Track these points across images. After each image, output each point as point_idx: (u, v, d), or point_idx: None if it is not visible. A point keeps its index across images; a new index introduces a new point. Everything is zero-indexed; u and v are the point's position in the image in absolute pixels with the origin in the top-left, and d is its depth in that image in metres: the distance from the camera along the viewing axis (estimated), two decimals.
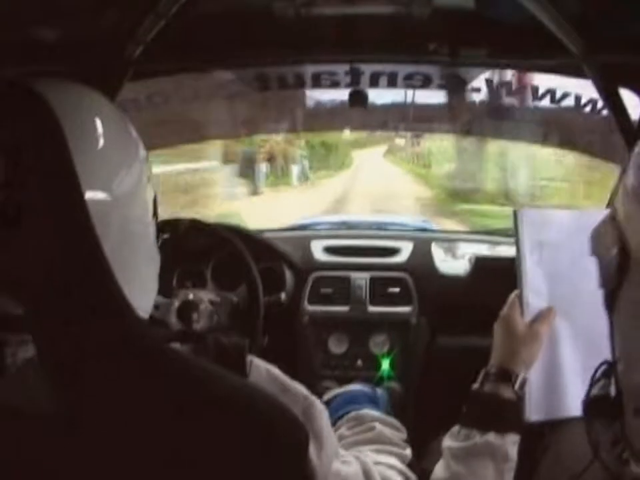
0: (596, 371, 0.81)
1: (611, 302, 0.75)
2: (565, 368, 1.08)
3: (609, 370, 0.78)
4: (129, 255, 0.82)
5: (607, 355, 0.81)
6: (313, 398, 0.91)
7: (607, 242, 0.75)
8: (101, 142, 0.79)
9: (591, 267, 0.91)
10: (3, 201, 0.64)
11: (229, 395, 0.73)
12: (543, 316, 1.08)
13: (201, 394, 0.71)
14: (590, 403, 0.80)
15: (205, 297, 1.76)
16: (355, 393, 1.36)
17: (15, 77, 0.73)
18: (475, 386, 1.08)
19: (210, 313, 1.72)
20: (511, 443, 1.01)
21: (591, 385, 0.81)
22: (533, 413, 1.06)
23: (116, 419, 0.67)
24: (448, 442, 1.06)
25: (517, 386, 1.04)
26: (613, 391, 0.78)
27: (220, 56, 1.84)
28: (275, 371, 0.89)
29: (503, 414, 1.03)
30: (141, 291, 0.88)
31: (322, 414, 0.89)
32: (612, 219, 0.76)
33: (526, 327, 1.07)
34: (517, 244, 1.10)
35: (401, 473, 1.04)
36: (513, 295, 1.12)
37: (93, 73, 0.86)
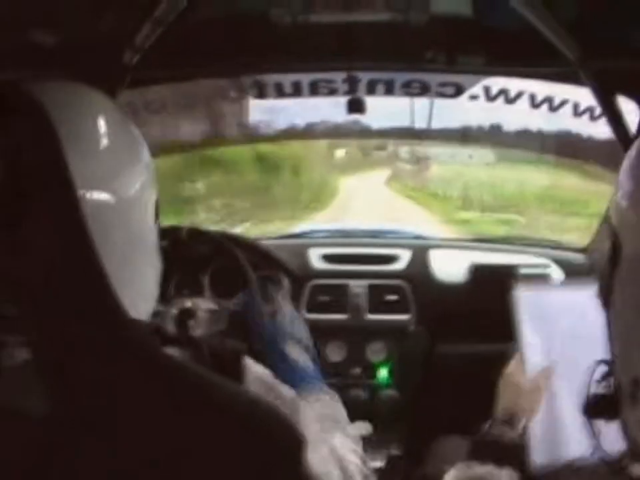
0: (593, 370, 0.85)
1: (606, 299, 0.79)
2: (563, 419, 1.19)
3: (606, 369, 0.81)
4: (130, 258, 0.82)
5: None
6: (299, 401, 0.93)
7: (603, 247, 0.78)
8: (102, 143, 0.78)
9: (582, 332, 1.14)
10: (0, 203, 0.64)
11: (224, 401, 0.73)
12: (543, 372, 1.19)
13: (197, 399, 0.71)
14: (589, 403, 0.83)
15: (203, 304, 1.75)
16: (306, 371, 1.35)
17: (10, 80, 0.72)
18: (482, 430, 1.17)
19: (207, 320, 1.72)
20: (508, 477, 1.08)
21: (589, 385, 0.85)
22: (536, 457, 1.14)
23: (111, 423, 0.67)
24: (451, 475, 1.12)
25: (520, 429, 1.14)
26: (611, 389, 0.81)
27: (217, 63, 1.85)
28: (263, 372, 0.89)
29: (504, 452, 1.12)
30: (141, 296, 0.87)
31: (307, 417, 0.92)
32: (607, 222, 0.79)
33: (528, 382, 1.19)
34: (515, 314, 1.23)
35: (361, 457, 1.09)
36: (516, 355, 1.23)
37: (91, 79, 0.85)
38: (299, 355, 1.32)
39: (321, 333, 2.15)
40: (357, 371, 2.14)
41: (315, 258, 2.29)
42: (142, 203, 0.84)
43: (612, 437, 0.84)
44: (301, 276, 2.19)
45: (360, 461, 1.06)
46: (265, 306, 1.41)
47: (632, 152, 0.77)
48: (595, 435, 0.85)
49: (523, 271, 2.07)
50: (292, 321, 1.37)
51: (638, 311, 0.71)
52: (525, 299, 1.24)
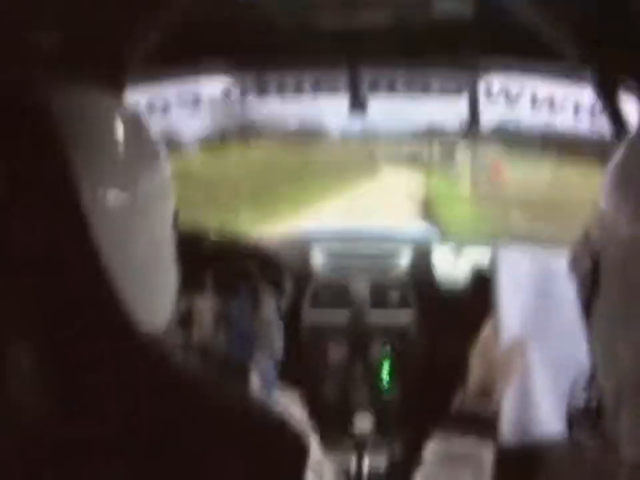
0: (573, 385, 0.85)
1: (587, 312, 0.79)
2: (536, 393, 1.15)
3: (587, 380, 0.81)
4: (147, 262, 0.82)
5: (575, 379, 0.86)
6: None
7: (582, 259, 0.79)
8: (119, 144, 0.78)
9: (560, 301, 1.12)
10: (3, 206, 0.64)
11: (230, 407, 0.73)
12: (517, 344, 1.15)
13: (202, 403, 0.71)
14: (572, 416, 0.83)
15: (205, 304, 1.76)
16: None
17: (15, 82, 0.73)
18: (456, 401, 1.16)
19: (209, 320, 1.72)
20: (487, 453, 1.08)
21: (571, 399, 0.85)
22: (508, 434, 1.12)
23: (116, 428, 0.67)
24: (428, 451, 1.12)
25: (493, 405, 1.12)
26: (593, 401, 0.81)
27: (220, 61, 1.85)
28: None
29: (481, 426, 1.10)
30: (159, 300, 0.87)
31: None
32: (586, 238, 0.79)
33: (501, 353, 1.15)
34: (494, 278, 1.21)
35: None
36: (489, 324, 1.21)
37: (94, 79, 0.85)
38: (267, 366, 1.32)
39: (322, 331, 2.16)
40: (359, 369, 2.14)
41: (318, 257, 2.29)
42: (159, 206, 0.84)
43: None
44: (304, 275, 2.20)
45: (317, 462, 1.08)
46: (248, 307, 1.41)
47: (610, 167, 0.76)
48: (574, 438, 0.85)
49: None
50: (267, 324, 1.37)
51: (622, 322, 0.71)
52: (504, 259, 1.22)
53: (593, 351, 0.80)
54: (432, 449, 1.11)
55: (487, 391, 1.13)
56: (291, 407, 1.23)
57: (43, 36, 1.23)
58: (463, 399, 1.16)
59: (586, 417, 0.81)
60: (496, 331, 1.18)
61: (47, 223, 0.65)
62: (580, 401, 0.82)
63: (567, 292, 1.04)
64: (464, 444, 1.08)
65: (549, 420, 1.11)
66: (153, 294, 0.84)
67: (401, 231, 2.93)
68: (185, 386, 0.71)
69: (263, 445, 0.72)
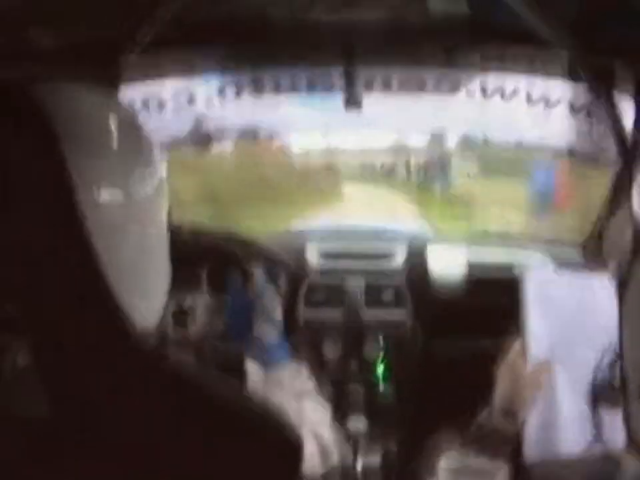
0: (602, 358, 0.85)
1: (621, 293, 0.81)
2: (561, 412, 1.17)
3: (614, 360, 0.81)
4: (141, 260, 0.82)
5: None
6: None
7: (620, 237, 0.79)
8: (113, 143, 0.78)
9: (585, 322, 1.15)
10: None
11: (225, 403, 0.73)
12: (543, 366, 1.17)
13: (198, 402, 0.71)
14: (594, 389, 0.84)
15: (201, 301, 1.76)
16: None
17: (10, 80, 0.72)
18: (480, 418, 1.16)
19: (206, 317, 1.72)
20: (501, 470, 1.09)
21: (596, 374, 0.86)
22: (531, 453, 1.14)
23: (113, 427, 0.67)
24: (443, 463, 1.13)
25: (518, 424, 1.13)
26: (616, 380, 0.82)
27: (215, 59, 1.85)
28: (257, 370, 0.91)
29: (500, 443, 1.11)
30: (151, 298, 0.87)
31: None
32: (628, 212, 0.80)
33: (528, 373, 1.17)
34: (522, 298, 1.21)
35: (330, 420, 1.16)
36: (517, 344, 1.21)
37: (90, 76, 0.85)
38: (270, 335, 1.32)
39: (317, 330, 2.16)
40: (354, 367, 2.14)
41: (313, 255, 2.29)
42: (153, 204, 0.84)
43: (612, 429, 0.85)
44: (298, 273, 2.20)
45: (330, 427, 1.13)
46: (241, 288, 1.41)
47: None
48: (596, 424, 0.86)
49: (520, 268, 2.08)
50: (262, 299, 1.37)
51: None
52: (533, 281, 1.22)
53: (620, 337, 0.82)
54: (448, 461, 1.12)
55: (512, 410, 1.14)
56: (300, 379, 1.24)
57: (39, 34, 1.23)
58: (487, 415, 1.16)
59: (609, 394, 0.83)
60: (523, 351, 1.19)
61: (42, 220, 0.65)
62: (604, 380, 0.83)
63: (595, 315, 1.07)
64: (481, 460, 1.09)
65: (572, 440, 1.13)
66: (145, 291, 0.83)
67: (396, 230, 2.93)
68: (179, 383, 0.71)
69: (258, 443, 0.72)
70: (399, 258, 2.28)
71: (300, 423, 1.03)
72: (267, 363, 1.27)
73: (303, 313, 2.15)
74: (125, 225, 0.77)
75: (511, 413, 1.14)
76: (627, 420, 0.79)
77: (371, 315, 2.17)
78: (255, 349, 1.32)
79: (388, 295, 2.19)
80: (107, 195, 0.74)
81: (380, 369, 2.16)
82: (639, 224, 0.78)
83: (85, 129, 0.74)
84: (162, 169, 0.86)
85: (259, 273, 1.42)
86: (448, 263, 2.29)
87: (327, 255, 2.30)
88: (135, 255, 0.80)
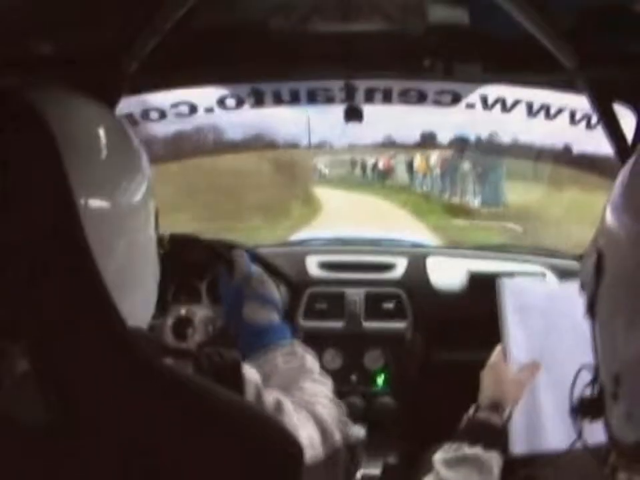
0: (577, 375, 0.91)
1: (591, 307, 0.83)
2: (544, 409, 1.25)
3: (591, 373, 0.84)
4: (129, 268, 0.82)
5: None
6: (284, 406, 0.96)
7: (589, 258, 0.84)
8: (102, 152, 0.79)
9: (564, 327, 1.22)
10: None
11: (223, 412, 0.73)
12: (529, 367, 1.26)
13: (196, 410, 0.71)
14: (575, 406, 0.87)
15: (200, 312, 1.75)
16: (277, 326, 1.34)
17: (9, 87, 0.73)
18: (468, 414, 1.24)
19: (205, 328, 1.72)
20: (495, 460, 1.14)
21: (574, 389, 0.88)
22: (516, 445, 1.21)
23: (109, 433, 0.67)
24: (439, 455, 1.17)
25: (504, 416, 1.20)
26: (595, 392, 0.86)
27: (215, 70, 1.85)
28: (256, 377, 0.90)
29: (491, 434, 1.17)
30: (140, 305, 0.87)
31: (291, 421, 0.95)
32: (594, 237, 0.84)
33: (512, 375, 1.25)
34: (500, 307, 1.29)
35: (331, 399, 1.16)
36: (498, 348, 1.30)
37: (89, 87, 0.85)
38: (261, 315, 1.31)
39: (317, 341, 2.16)
40: (354, 378, 2.14)
41: (312, 266, 2.29)
42: (142, 212, 0.84)
43: (594, 432, 0.87)
44: (298, 284, 2.19)
45: (332, 406, 1.12)
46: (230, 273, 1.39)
47: (625, 170, 0.81)
48: (579, 431, 0.89)
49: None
50: (249, 281, 1.36)
51: (621, 321, 0.75)
52: (510, 290, 1.29)
53: (594, 348, 0.85)
54: (444, 452, 1.17)
55: (497, 406, 1.20)
56: (297, 358, 1.24)
57: (38, 42, 1.23)
58: (475, 410, 1.23)
59: (589, 404, 0.86)
60: (504, 356, 1.27)
61: (40, 224, 0.65)
62: (584, 392, 0.86)
63: (572, 316, 1.08)
64: (476, 449, 1.13)
65: (555, 433, 1.19)
66: (132, 297, 0.84)
67: (396, 240, 2.93)
68: (176, 388, 0.71)
69: (257, 448, 0.72)
70: (399, 269, 2.28)
71: (299, 405, 1.03)
72: (259, 345, 1.26)
73: (303, 323, 2.15)
74: (112, 233, 0.78)
75: (497, 406, 1.20)
76: (609, 429, 0.81)
77: (370, 325, 2.17)
78: (244, 333, 1.31)
79: (388, 306, 2.19)
80: (93, 201, 0.74)
81: (380, 379, 2.16)
82: (599, 247, 0.81)
83: (76, 138, 0.74)
84: (148, 179, 0.87)
85: (242, 256, 1.40)
86: (448, 274, 2.29)
87: (327, 266, 2.30)
88: (123, 262, 0.80)
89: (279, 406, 0.97)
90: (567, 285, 1.33)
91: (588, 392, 0.86)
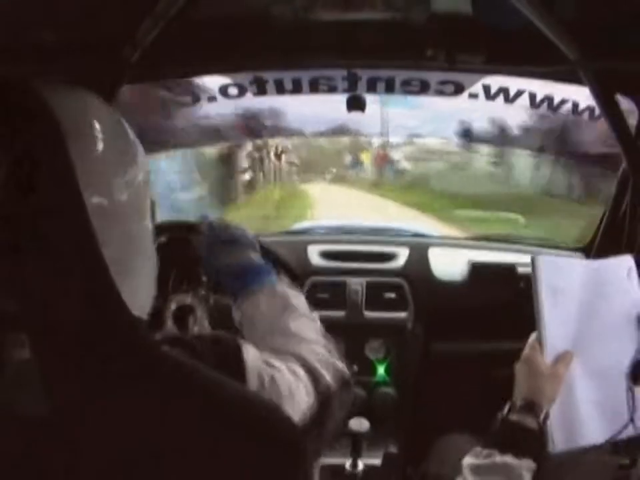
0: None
1: None
2: (581, 402, 1.16)
3: None
4: (128, 258, 0.82)
5: (618, 388, 0.87)
6: (277, 378, 0.93)
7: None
8: (100, 145, 0.79)
9: (602, 310, 1.13)
10: (3, 203, 0.64)
11: (226, 399, 0.73)
12: (563, 357, 1.16)
13: (198, 397, 0.71)
14: (635, 369, 0.84)
15: (201, 300, 1.75)
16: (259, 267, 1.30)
17: (14, 78, 0.72)
18: (501, 414, 1.15)
19: (206, 317, 1.72)
20: (526, 468, 1.08)
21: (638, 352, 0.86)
22: (556, 444, 1.13)
23: (111, 422, 0.67)
24: (468, 460, 1.12)
25: (541, 418, 1.12)
26: None
27: (217, 59, 1.85)
28: (259, 355, 0.90)
29: (523, 440, 1.10)
30: (137, 295, 0.87)
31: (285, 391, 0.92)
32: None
33: (547, 366, 1.15)
34: (535, 289, 1.17)
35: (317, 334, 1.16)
36: (532, 337, 1.20)
37: (91, 76, 0.85)
38: (236, 257, 1.28)
39: None
40: (355, 368, 2.14)
41: (314, 255, 2.29)
42: (138, 204, 0.85)
43: None
44: (300, 273, 2.19)
45: (319, 342, 1.12)
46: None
47: None
48: (633, 405, 0.86)
49: (522, 270, 2.07)
50: (224, 227, 1.33)
51: None
52: (545, 268, 1.18)
53: None
54: (473, 458, 1.11)
55: (533, 406, 1.13)
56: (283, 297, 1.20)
57: (41, 33, 1.23)
58: (508, 410, 1.15)
59: None
60: (539, 344, 1.18)
61: (47, 215, 0.65)
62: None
63: (610, 303, 1.05)
64: (507, 457, 1.08)
65: (594, 427, 1.13)
66: (129, 290, 0.84)
67: (398, 229, 2.93)
68: (179, 376, 0.71)
69: (259, 435, 0.72)
70: (401, 259, 2.28)
71: (285, 359, 1.00)
72: (242, 287, 1.23)
73: None
74: (109, 225, 0.78)
75: (533, 407, 1.12)
76: None
77: (372, 315, 2.17)
78: (228, 278, 1.27)
79: (389, 296, 2.19)
80: (91, 196, 0.74)
81: (381, 369, 2.16)
82: None
83: (72, 130, 0.74)
84: (145, 171, 0.87)
85: (204, 222, 1.38)
86: (449, 264, 2.29)
87: (329, 255, 2.30)
88: (118, 255, 0.80)
89: (273, 381, 0.95)
90: (596, 262, 1.23)
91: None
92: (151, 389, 0.69)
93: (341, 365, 1.11)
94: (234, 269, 1.25)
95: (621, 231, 1.89)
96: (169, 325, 1.66)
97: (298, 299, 1.21)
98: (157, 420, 0.68)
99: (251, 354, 0.89)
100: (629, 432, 1.02)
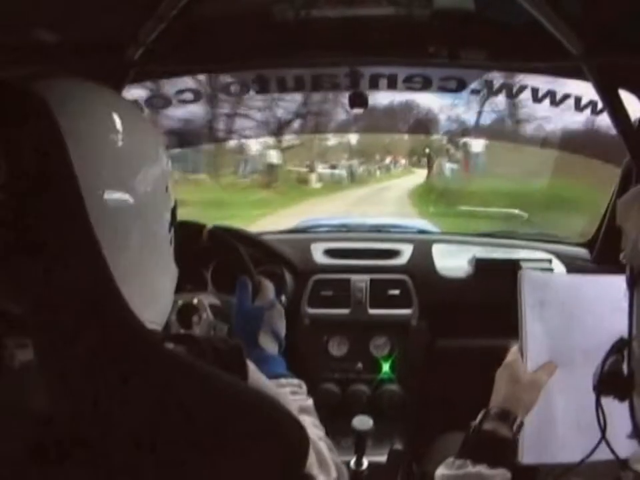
0: (611, 348, 0.88)
1: (632, 280, 0.82)
2: (558, 417, 1.15)
3: (622, 347, 0.82)
4: (145, 260, 0.81)
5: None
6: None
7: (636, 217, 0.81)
8: (118, 142, 0.77)
9: (586, 325, 1.13)
10: (1, 203, 0.64)
11: (231, 398, 0.73)
12: (545, 367, 1.16)
13: (203, 396, 0.71)
14: (601, 379, 0.84)
15: (205, 300, 1.75)
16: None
17: (14, 77, 0.72)
18: (475, 422, 1.14)
19: (210, 316, 1.72)
20: (501, 478, 1.06)
21: (604, 361, 0.86)
22: (526, 455, 1.11)
23: (115, 422, 0.67)
24: (441, 470, 1.10)
25: (514, 427, 1.11)
26: (625, 369, 0.84)
27: (220, 58, 1.85)
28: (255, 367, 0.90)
29: (497, 449, 1.09)
30: (156, 297, 0.87)
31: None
32: None
33: (528, 375, 1.15)
34: (519, 300, 1.19)
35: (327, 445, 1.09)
36: (515, 346, 1.20)
37: (94, 75, 0.85)
38: (268, 344, 1.31)
39: (323, 328, 2.16)
40: (359, 365, 2.14)
41: (318, 253, 2.29)
42: (158, 203, 0.83)
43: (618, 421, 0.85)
44: (304, 271, 2.19)
45: (329, 448, 1.07)
46: (250, 293, 1.40)
47: None
48: (601, 419, 0.86)
49: (526, 265, 2.07)
50: (271, 311, 1.35)
51: None
52: (529, 282, 1.19)
53: (630, 327, 0.83)
54: (444, 470, 1.10)
55: (508, 414, 1.12)
56: (299, 395, 1.21)
57: (45, 32, 1.23)
58: (482, 418, 1.14)
59: (615, 380, 0.83)
60: (521, 354, 1.18)
61: (48, 216, 0.65)
62: (611, 366, 0.83)
63: (601, 320, 1.05)
64: (480, 466, 1.06)
65: (569, 444, 1.11)
66: (151, 291, 0.83)
67: (401, 226, 2.93)
68: (184, 380, 0.71)
69: (264, 434, 0.72)
70: (405, 255, 2.28)
71: None
72: (266, 374, 1.26)
73: (309, 311, 2.15)
74: (130, 225, 0.77)
75: (508, 415, 1.11)
76: (633, 412, 0.80)
77: (376, 312, 2.17)
78: (256, 357, 1.31)
79: (393, 293, 2.19)
80: (112, 195, 0.74)
81: (386, 366, 2.16)
82: None
83: (90, 127, 0.73)
84: (165, 164, 0.86)
85: (269, 287, 1.42)
86: (453, 260, 2.29)
87: (332, 253, 2.30)
88: (140, 255, 0.80)
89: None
90: (591, 278, 1.24)
91: (615, 367, 0.83)
92: (153, 385, 0.69)
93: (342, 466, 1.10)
94: (266, 355, 1.29)
95: None
96: (173, 323, 1.66)
97: (314, 409, 1.20)
98: (160, 415, 0.68)
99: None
100: (604, 452, 1.01)
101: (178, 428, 0.68)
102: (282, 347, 1.35)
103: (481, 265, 2.19)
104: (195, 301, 1.69)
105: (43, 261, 0.64)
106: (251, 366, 0.87)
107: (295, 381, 1.24)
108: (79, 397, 0.66)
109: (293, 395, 1.18)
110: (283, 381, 1.22)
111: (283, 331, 1.36)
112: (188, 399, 0.69)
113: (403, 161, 11.32)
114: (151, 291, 0.85)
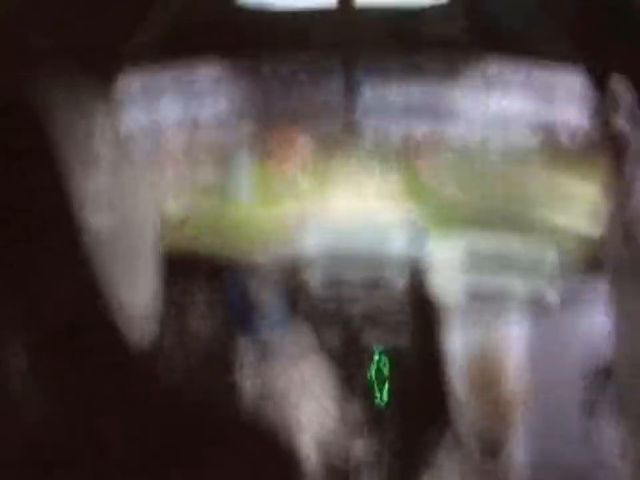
0: (591, 374, 0.93)
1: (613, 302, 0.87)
2: (535, 435, 1.16)
3: (605, 378, 0.83)
4: (131, 254, 0.83)
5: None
6: None
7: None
8: (105, 158, 0.78)
9: (571, 352, 1.11)
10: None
11: (228, 398, 0.74)
12: (520, 389, 1.17)
13: (198, 400, 0.71)
14: (585, 407, 0.85)
15: (200, 299, 1.76)
16: None
17: (7, 83, 0.73)
18: (449, 439, 1.14)
19: (205, 315, 1.73)
20: None
21: (587, 387, 0.87)
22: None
23: (112, 424, 0.68)
24: None
25: (494, 445, 1.13)
26: (605, 394, 0.89)
27: (214, 51, 1.85)
28: None
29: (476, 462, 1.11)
30: (140, 290, 0.88)
31: None
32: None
33: (505, 395, 1.18)
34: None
35: None
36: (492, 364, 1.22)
37: (89, 74, 0.85)
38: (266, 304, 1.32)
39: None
40: (355, 390, 2.15)
41: (309, 277, 2.30)
42: (146, 220, 0.84)
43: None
44: (295, 294, 2.21)
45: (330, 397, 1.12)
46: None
47: None
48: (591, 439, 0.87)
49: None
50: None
51: None
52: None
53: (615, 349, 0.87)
54: None
55: (487, 431, 1.14)
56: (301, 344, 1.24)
57: (36, 35, 1.23)
58: (458, 437, 1.14)
59: (599, 411, 0.87)
60: (500, 372, 1.20)
61: (39, 223, 0.66)
62: (596, 390, 0.84)
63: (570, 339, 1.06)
64: None
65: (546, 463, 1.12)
66: (132, 279, 0.84)
67: (396, 247, 2.93)
68: (175, 389, 0.72)
69: (253, 453, 0.73)
70: (400, 280, 2.28)
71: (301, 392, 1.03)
72: (267, 329, 1.27)
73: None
74: (116, 242, 0.78)
75: (486, 434, 1.14)
76: (619, 438, 0.84)
77: (371, 337, 2.17)
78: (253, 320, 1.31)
79: (389, 316, 2.19)
80: (99, 216, 0.74)
81: (382, 391, 2.17)
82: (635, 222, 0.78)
83: (79, 139, 0.74)
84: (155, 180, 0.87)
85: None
86: (449, 283, 2.30)
87: (325, 277, 2.30)
88: (126, 260, 0.81)
89: None
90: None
91: (596, 393, 0.84)
92: (149, 392, 0.69)
93: None
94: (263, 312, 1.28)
95: None
96: (167, 323, 1.67)
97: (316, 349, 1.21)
98: (156, 421, 0.69)
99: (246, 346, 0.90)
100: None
101: (178, 429, 0.69)
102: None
103: (476, 288, 2.20)
104: (189, 299, 1.70)
105: (34, 263, 0.65)
106: (248, 356, 0.88)
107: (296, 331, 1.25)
108: (73, 402, 0.67)
109: (292, 346, 1.20)
110: (282, 333, 1.23)
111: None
112: (187, 399, 0.70)
113: None
114: (138, 278, 0.86)
